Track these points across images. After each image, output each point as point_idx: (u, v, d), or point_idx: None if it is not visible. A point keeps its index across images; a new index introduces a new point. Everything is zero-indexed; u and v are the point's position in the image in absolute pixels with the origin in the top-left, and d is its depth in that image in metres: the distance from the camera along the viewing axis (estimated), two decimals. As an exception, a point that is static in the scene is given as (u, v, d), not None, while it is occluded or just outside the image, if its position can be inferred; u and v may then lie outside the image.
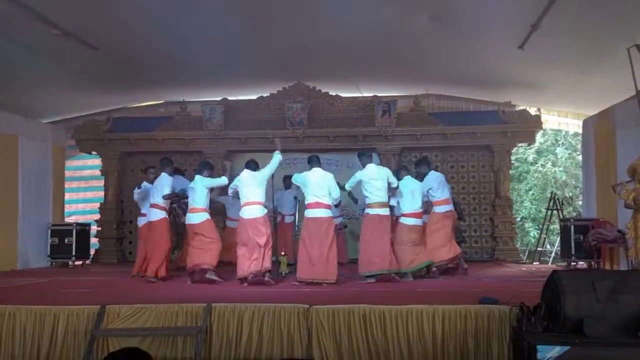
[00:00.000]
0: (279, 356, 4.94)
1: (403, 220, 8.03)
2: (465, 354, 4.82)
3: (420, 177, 8.51)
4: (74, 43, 8.65)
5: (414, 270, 7.95)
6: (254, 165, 7.77)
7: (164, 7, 7.81)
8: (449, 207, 8.55)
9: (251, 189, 7.51)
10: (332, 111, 12.10)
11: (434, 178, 8.56)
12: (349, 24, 8.39)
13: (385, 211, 7.69)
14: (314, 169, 7.67)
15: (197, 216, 7.78)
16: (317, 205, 7.47)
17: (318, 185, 7.50)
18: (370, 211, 7.68)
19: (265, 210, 7.60)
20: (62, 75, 10.41)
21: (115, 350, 3.06)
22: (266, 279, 7.31)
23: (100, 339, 5.04)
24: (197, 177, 7.94)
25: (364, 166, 7.87)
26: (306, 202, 7.56)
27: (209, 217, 7.91)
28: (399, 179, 8.08)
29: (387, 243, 7.62)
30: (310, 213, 7.48)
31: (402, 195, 8.02)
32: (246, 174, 7.64)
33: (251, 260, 7.27)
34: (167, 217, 8.27)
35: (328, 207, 7.54)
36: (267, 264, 7.33)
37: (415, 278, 7.91)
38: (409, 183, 8.09)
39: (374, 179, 7.68)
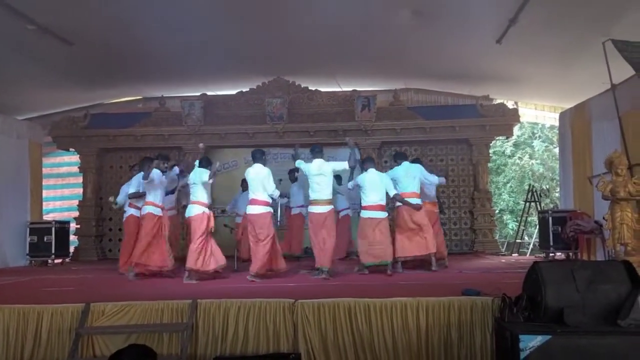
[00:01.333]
0: (265, 351, 4.97)
1: (362, 213, 7.96)
2: (449, 345, 4.90)
3: None
4: (49, 38, 8.53)
5: (369, 265, 7.82)
6: (205, 163, 7.83)
7: (141, 1, 7.76)
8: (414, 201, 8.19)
9: (196, 188, 7.64)
10: (311, 106, 12.13)
11: (402, 169, 8.33)
12: (328, 18, 8.39)
13: (327, 208, 7.65)
14: (254, 164, 7.70)
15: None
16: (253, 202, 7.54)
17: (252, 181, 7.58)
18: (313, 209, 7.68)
19: (203, 210, 7.63)
20: (38, 71, 10.23)
21: (122, 348, 3.07)
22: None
23: (85, 337, 5.02)
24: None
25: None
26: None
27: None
28: (363, 170, 8.06)
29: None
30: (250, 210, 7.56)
31: (363, 188, 7.89)
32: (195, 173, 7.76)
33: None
34: (135, 214, 8.43)
35: (265, 203, 7.52)
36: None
37: (371, 272, 7.83)
38: (371, 176, 7.94)
39: (315, 174, 7.67)
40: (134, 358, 2.91)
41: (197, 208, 7.57)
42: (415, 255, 8.13)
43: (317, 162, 7.71)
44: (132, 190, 8.40)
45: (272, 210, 7.64)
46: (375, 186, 7.86)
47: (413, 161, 8.81)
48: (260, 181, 7.47)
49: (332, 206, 7.75)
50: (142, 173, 8.13)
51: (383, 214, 7.90)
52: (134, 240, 8.13)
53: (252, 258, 7.45)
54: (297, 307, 5.05)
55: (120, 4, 7.72)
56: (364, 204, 7.92)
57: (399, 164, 8.40)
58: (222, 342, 5.02)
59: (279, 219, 10.02)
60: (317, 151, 7.85)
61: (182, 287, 6.69)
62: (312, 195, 7.69)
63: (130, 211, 8.56)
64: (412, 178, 8.23)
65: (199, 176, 7.62)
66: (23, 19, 7.82)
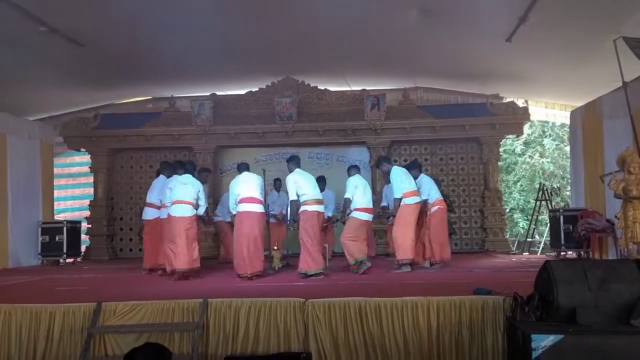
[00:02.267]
0: (276, 350, 4.97)
1: (355, 214, 7.94)
2: (460, 344, 4.88)
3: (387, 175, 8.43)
4: (60, 40, 8.58)
5: (357, 262, 7.83)
6: (190, 167, 8.00)
7: (150, 2, 7.78)
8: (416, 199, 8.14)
9: (184, 188, 7.69)
10: (321, 105, 12.13)
11: (400, 171, 8.28)
12: (338, 17, 8.40)
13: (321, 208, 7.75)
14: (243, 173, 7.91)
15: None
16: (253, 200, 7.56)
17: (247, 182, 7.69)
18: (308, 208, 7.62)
19: (194, 211, 7.71)
20: (49, 72, 10.31)
21: (137, 346, 3.08)
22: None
23: (97, 336, 5.03)
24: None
25: (291, 171, 7.83)
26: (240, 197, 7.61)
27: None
28: (349, 176, 8.24)
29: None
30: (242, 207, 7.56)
31: (359, 188, 7.96)
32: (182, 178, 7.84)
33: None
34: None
35: (262, 202, 7.67)
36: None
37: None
38: (357, 180, 8.07)
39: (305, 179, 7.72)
40: (147, 357, 2.90)
41: (189, 208, 7.64)
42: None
43: (298, 171, 7.81)
44: (154, 194, 8.49)
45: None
46: (366, 189, 8.08)
47: (410, 163, 8.97)
48: (257, 183, 7.70)
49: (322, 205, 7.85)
50: (161, 176, 8.48)
51: (372, 216, 8.18)
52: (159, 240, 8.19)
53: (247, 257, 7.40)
54: (307, 306, 5.04)
55: (129, 5, 7.76)
56: (359, 206, 7.92)
57: (388, 169, 8.35)
58: (232, 341, 5.02)
59: (289, 220, 9.99)
60: (295, 162, 7.88)
61: (192, 287, 6.70)
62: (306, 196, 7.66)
63: (154, 212, 8.50)
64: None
65: (185, 178, 7.78)
66: (34, 20, 7.86)
